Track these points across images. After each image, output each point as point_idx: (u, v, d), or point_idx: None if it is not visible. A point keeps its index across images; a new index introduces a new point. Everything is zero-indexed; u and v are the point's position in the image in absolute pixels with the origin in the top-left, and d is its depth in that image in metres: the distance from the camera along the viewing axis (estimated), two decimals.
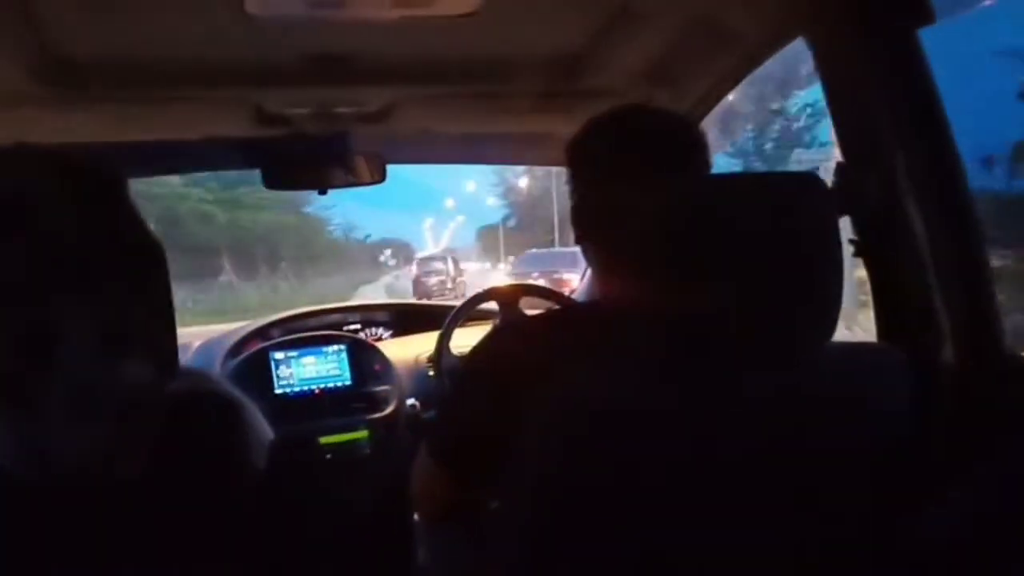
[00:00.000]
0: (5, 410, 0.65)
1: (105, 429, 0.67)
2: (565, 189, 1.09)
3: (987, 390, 1.02)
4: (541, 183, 37.33)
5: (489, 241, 46.99)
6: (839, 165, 1.14)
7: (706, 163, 1.04)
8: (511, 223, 45.55)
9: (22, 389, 0.64)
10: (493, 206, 47.86)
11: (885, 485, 0.90)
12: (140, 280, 0.71)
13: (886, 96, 1.08)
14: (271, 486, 0.84)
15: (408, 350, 2.32)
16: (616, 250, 0.93)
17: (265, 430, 0.96)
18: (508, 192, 44.97)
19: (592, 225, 1.05)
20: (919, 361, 1.01)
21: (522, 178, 39.80)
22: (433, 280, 23.53)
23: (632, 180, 0.95)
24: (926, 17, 1.04)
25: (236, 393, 0.97)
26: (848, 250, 1.14)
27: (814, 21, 1.15)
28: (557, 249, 23.14)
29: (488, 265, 41.51)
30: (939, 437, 0.98)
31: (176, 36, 1.29)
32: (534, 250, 23.47)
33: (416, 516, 1.52)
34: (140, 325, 0.70)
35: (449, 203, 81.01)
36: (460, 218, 77.80)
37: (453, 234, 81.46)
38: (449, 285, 23.33)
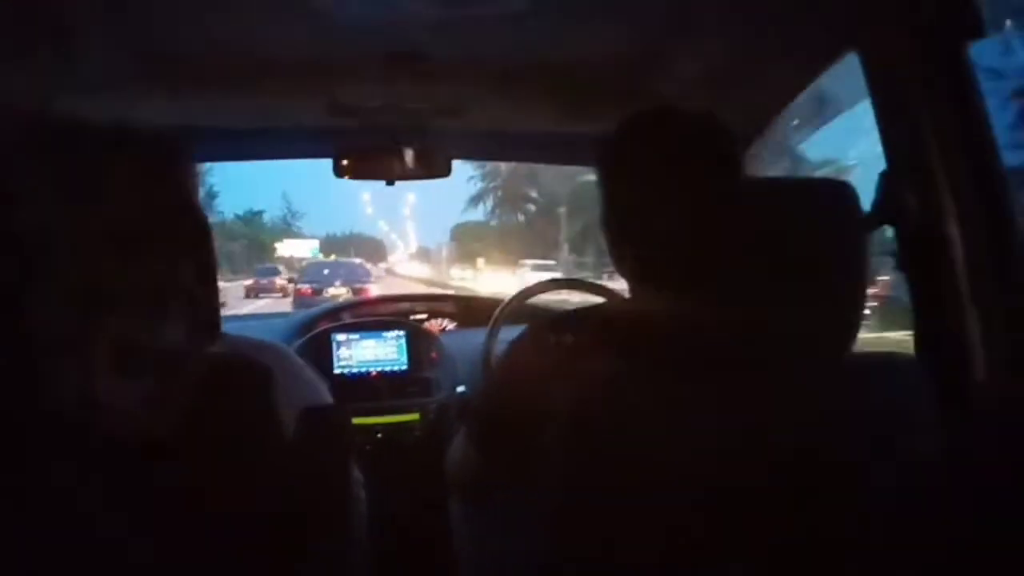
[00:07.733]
0: (62, 363, 0.70)
1: (147, 384, 0.73)
2: None
3: (1011, 413, 1.00)
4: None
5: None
6: (883, 176, 1.14)
7: (738, 167, 1.05)
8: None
9: (75, 344, 0.69)
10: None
11: (888, 495, 0.90)
12: (187, 249, 0.77)
13: (933, 109, 1.07)
14: (296, 456, 0.87)
15: (468, 341, 2.38)
16: (643, 253, 0.95)
17: (312, 401, 0.99)
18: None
19: (623, 228, 1.08)
20: (947, 377, 1.00)
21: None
22: None
23: (662, 183, 0.97)
24: (976, 32, 1.03)
25: (293, 362, 1.00)
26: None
27: (866, 35, 1.15)
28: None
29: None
30: (957, 454, 0.97)
31: (251, 28, 1.39)
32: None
33: (452, 497, 1.57)
34: (183, 291, 0.75)
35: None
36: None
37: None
38: None
